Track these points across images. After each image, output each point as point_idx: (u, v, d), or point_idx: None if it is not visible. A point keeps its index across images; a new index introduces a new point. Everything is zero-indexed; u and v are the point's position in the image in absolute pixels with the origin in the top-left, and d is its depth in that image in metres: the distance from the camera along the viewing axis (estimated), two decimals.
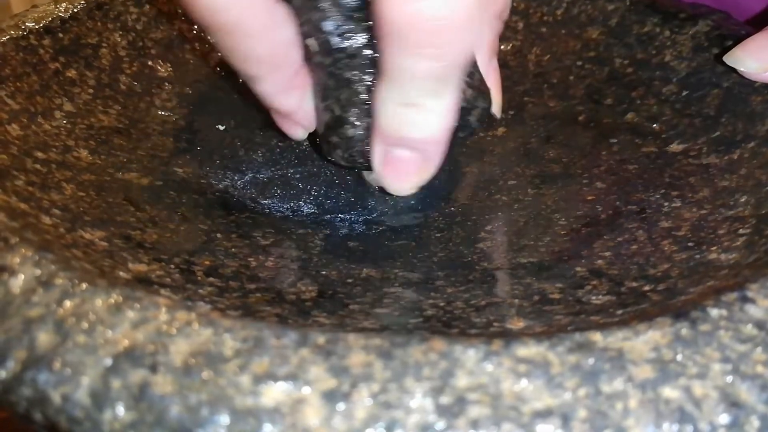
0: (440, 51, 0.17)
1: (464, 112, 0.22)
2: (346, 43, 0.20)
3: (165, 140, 0.28)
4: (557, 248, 0.23)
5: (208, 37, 0.21)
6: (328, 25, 0.20)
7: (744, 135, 0.26)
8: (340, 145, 0.23)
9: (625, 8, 0.33)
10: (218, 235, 0.22)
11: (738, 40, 0.29)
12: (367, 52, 0.20)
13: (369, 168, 0.23)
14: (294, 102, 0.22)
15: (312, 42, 0.21)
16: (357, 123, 0.21)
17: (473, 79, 0.22)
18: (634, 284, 0.20)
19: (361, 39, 0.20)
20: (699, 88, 0.29)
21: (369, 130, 0.21)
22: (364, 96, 0.21)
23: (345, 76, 0.21)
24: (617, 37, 0.33)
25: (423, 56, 0.17)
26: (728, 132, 0.27)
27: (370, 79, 0.21)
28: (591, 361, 0.14)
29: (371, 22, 0.19)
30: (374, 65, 0.20)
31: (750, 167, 0.25)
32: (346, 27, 0.20)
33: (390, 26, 0.17)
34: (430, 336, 0.14)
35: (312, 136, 0.24)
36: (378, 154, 0.21)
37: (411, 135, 0.19)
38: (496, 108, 0.22)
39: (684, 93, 0.30)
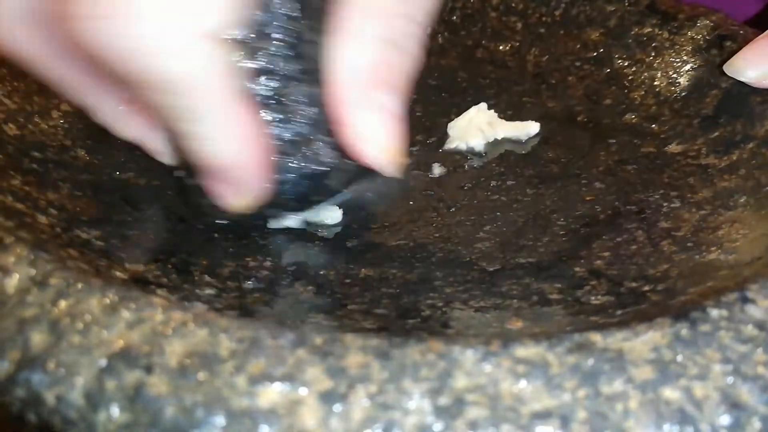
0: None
1: (317, 177, 0.20)
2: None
3: None
4: (556, 248, 0.22)
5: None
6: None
7: (743, 136, 0.26)
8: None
9: (623, 9, 0.33)
10: (216, 235, 0.22)
11: (737, 40, 0.29)
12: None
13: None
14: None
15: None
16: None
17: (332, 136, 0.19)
18: (634, 284, 0.20)
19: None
20: (698, 88, 0.29)
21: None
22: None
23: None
24: (616, 38, 0.33)
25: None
26: (727, 132, 0.27)
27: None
28: (590, 361, 0.14)
29: None
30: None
31: (749, 168, 0.25)
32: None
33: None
34: (428, 336, 0.14)
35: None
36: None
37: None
38: (381, 158, 0.17)
39: (683, 93, 0.30)
